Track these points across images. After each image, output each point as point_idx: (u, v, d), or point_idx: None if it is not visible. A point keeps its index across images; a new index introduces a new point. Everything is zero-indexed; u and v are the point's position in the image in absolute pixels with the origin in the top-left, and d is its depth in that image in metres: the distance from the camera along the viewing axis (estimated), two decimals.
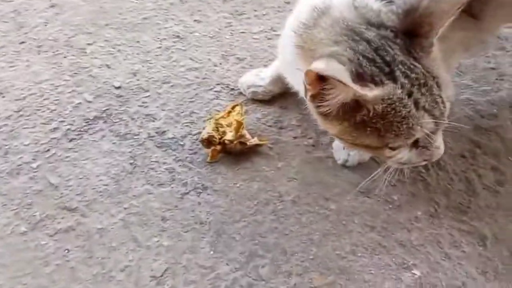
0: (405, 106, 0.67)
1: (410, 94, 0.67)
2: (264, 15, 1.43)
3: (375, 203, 0.98)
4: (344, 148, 1.02)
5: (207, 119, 1.11)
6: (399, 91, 0.66)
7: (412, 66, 0.67)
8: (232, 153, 1.05)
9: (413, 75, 0.67)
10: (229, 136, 1.03)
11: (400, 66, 0.67)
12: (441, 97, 0.70)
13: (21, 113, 1.19)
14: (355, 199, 0.99)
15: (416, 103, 0.67)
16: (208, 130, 1.04)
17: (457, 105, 1.16)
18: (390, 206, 0.98)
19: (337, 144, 1.04)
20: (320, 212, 0.97)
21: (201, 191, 1.01)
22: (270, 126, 1.12)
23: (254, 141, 1.06)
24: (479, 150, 1.08)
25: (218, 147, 1.04)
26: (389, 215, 0.96)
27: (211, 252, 0.92)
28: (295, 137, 1.09)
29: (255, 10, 1.45)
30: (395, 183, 1.01)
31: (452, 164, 1.04)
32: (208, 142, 1.04)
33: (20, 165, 1.08)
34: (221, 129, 1.04)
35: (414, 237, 0.94)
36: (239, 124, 1.02)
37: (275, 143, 1.08)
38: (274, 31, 1.37)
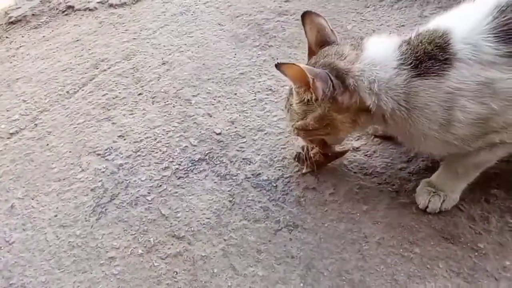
0: None
1: None
2: None
3: (460, 249, 1.01)
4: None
5: None
6: None
7: None
8: (320, 165, 1.20)
9: None
10: (314, 150, 1.18)
11: None
12: None
13: (138, 153, 1.41)
14: (440, 244, 1.03)
15: None
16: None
17: None
18: (476, 253, 1.00)
19: (420, 189, 1.11)
20: (404, 255, 1.02)
21: (293, 228, 1.11)
22: (355, 172, 1.21)
23: (335, 151, 1.20)
24: None
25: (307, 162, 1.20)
26: (476, 262, 0.99)
27: (301, 284, 1.01)
28: (379, 183, 1.17)
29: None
30: (480, 231, 1.03)
31: None
32: (298, 158, 1.21)
33: (138, 197, 1.28)
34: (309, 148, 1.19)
35: (502, 286, 0.95)
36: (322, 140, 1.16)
37: (360, 188, 1.17)
38: None
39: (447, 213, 1.08)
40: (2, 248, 1.23)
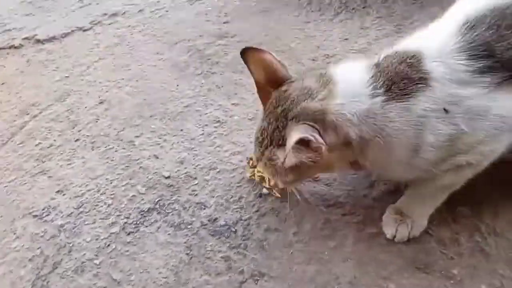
0: None
1: None
2: None
3: (435, 279, 0.97)
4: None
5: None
6: None
7: None
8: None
9: None
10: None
11: None
12: None
13: (81, 209, 1.27)
14: (414, 276, 0.98)
15: None
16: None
17: None
18: (452, 281, 0.96)
19: (386, 218, 1.06)
20: None
21: (258, 278, 1.03)
22: (317, 205, 1.14)
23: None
24: None
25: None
26: None
27: None
28: (343, 214, 1.11)
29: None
30: (452, 256, 0.99)
31: (510, 231, 1.02)
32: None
33: (84, 262, 1.14)
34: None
35: None
36: None
37: (325, 222, 1.10)
38: None
39: (416, 240, 1.03)
40: None
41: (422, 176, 0.94)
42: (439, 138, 0.85)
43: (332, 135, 0.88)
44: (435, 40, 0.89)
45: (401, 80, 0.86)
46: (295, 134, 0.83)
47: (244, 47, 0.98)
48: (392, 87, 0.86)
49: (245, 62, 0.99)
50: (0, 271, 1.15)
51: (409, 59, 0.88)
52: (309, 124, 0.86)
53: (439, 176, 0.92)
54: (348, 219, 1.10)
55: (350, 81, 0.90)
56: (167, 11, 2.06)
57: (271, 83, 0.97)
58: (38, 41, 2.14)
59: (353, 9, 1.79)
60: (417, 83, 0.85)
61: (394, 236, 1.03)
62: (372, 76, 0.88)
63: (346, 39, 1.64)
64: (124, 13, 2.14)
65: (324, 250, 1.05)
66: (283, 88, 0.94)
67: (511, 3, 0.87)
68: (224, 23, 1.88)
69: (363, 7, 1.78)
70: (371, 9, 1.77)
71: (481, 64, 0.84)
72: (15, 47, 2.14)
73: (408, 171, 0.92)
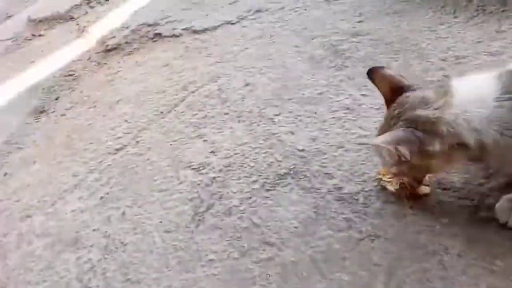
0: None
1: None
2: None
3: None
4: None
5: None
6: None
7: None
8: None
9: None
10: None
11: None
12: None
13: (229, 168, 1.59)
14: None
15: None
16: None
17: None
18: None
19: (500, 205, 1.15)
20: (486, 267, 1.07)
21: (374, 238, 1.21)
22: (433, 187, 1.28)
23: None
24: None
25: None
26: None
27: None
28: (458, 198, 1.23)
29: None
30: None
31: None
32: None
33: (231, 207, 1.44)
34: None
35: None
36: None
37: (440, 203, 1.24)
38: None
39: None
40: (118, 248, 1.46)
41: None
42: None
43: (437, 144, 1.02)
44: None
45: None
46: (387, 136, 1.04)
47: (370, 67, 1.23)
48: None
49: (371, 80, 1.22)
50: (170, 204, 1.52)
51: None
52: (413, 132, 1.03)
53: None
54: (461, 202, 1.22)
55: (470, 91, 1.02)
56: (305, 9, 2.31)
57: (395, 92, 1.15)
58: (194, 31, 2.56)
59: (490, 12, 1.82)
60: None
61: (506, 222, 1.12)
62: (504, 81, 0.99)
63: (479, 41, 1.70)
64: (267, 10, 2.45)
65: (436, 224, 1.18)
66: (405, 94, 1.12)
67: None
68: (358, 22, 2.05)
69: (502, 10, 1.81)
70: (511, 12, 1.78)
71: None
72: (176, 36, 2.60)
73: None
